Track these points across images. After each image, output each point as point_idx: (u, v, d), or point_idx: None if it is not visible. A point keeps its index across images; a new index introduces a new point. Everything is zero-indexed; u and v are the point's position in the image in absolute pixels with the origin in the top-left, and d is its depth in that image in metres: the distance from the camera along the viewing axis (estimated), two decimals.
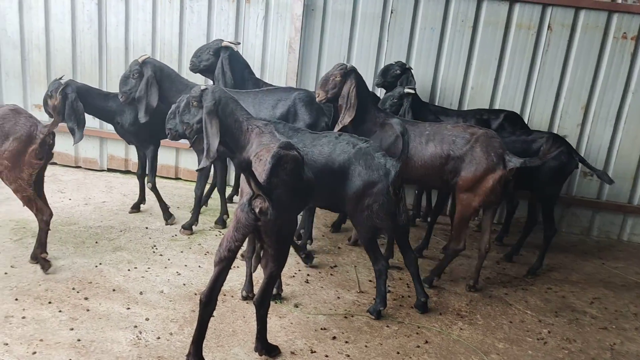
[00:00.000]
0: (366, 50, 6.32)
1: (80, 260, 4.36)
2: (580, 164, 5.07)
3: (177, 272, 4.33)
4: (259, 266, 3.25)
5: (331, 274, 4.62)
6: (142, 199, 5.61)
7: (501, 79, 6.24)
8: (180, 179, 6.94)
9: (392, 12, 6.18)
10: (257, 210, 2.72)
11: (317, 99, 4.58)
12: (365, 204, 3.77)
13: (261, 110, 4.85)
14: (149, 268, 4.36)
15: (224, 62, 5.25)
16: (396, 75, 5.74)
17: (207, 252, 4.74)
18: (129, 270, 4.29)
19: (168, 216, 5.36)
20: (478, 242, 4.69)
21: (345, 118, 4.46)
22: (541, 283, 4.93)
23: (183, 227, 5.16)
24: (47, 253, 4.14)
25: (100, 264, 4.35)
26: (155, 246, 4.80)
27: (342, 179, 3.82)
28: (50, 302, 3.68)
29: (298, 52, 6.22)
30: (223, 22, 6.36)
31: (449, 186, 4.38)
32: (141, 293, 3.94)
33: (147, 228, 5.17)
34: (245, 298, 3.98)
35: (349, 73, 4.49)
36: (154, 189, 5.31)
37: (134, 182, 6.35)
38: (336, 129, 4.47)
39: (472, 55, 6.22)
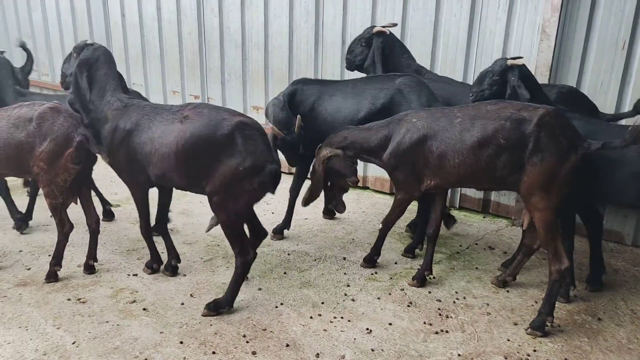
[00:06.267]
0: None
1: (262, 297, 3.75)
2: None
3: (367, 329, 3.39)
4: None
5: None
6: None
7: None
8: (368, 188, 6.22)
9: None
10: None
11: (470, 99, 3.83)
12: None
13: (362, 101, 4.22)
14: (334, 317, 3.52)
15: (376, 52, 4.47)
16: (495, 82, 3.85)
17: (411, 303, 3.70)
18: (311, 317, 3.51)
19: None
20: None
21: None
22: None
23: (273, 231, 4.65)
24: (60, 266, 3.88)
25: (282, 304, 3.66)
26: (348, 285, 3.95)
27: None
28: (214, 352, 3.10)
29: (554, 39, 4.65)
30: (455, 5, 5.14)
31: (504, 185, 3.52)
32: (318, 355, 3.11)
33: (344, 259, 4.35)
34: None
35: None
36: None
37: (353, 194, 5.69)
38: None
39: None
